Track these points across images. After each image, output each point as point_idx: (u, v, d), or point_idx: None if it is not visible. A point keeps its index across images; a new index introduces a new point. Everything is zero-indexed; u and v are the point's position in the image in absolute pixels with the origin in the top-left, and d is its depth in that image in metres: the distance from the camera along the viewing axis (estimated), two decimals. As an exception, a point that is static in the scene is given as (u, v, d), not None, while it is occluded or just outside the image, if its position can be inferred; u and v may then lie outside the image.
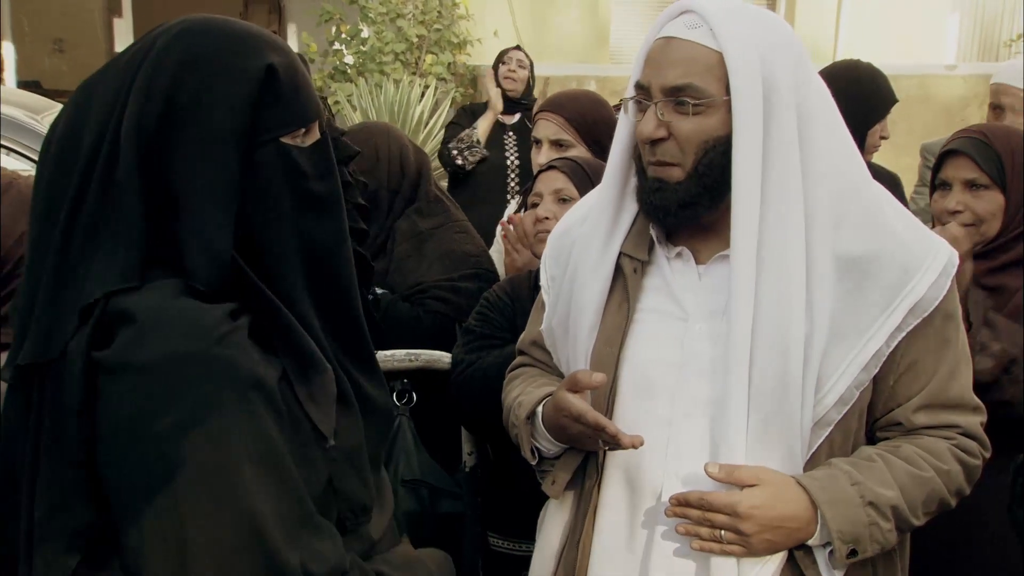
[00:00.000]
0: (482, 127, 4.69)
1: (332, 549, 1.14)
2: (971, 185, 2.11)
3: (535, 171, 2.55)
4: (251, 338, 1.11)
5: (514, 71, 4.84)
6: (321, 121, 1.22)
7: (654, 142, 1.46)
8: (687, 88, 1.42)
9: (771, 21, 1.48)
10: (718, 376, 1.45)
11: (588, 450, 1.56)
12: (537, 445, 1.62)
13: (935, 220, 2.18)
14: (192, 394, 1.04)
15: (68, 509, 1.09)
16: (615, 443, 1.45)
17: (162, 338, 1.05)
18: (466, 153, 4.59)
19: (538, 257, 2.17)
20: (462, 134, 4.64)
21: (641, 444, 1.43)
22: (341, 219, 1.24)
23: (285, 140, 1.17)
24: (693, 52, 1.43)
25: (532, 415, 1.61)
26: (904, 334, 1.46)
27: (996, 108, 3.30)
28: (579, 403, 1.47)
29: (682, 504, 1.41)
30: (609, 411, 1.53)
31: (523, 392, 1.68)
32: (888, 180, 3.24)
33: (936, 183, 2.18)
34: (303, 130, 1.19)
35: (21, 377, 1.12)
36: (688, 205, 1.47)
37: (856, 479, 1.42)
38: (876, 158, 3.27)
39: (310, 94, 1.20)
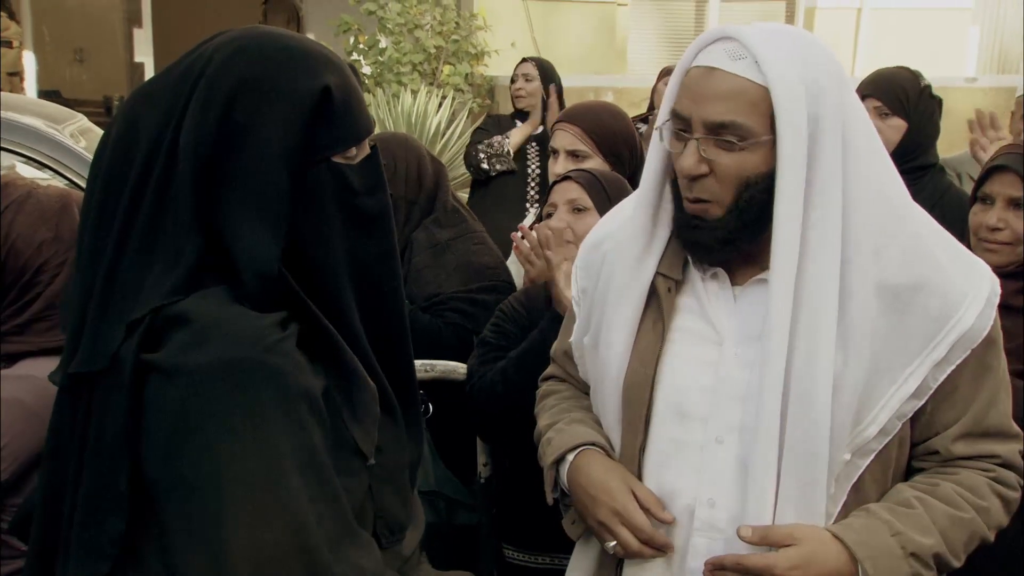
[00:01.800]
0: (515, 139, 4.63)
1: (371, 561, 1.14)
2: (1014, 203, 2.07)
3: (551, 181, 2.55)
4: (298, 348, 1.11)
5: (521, 88, 4.76)
6: (372, 134, 1.22)
7: (694, 177, 1.41)
8: (731, 125, 1.37)
9: (813, 46, 1.41)
10: (751, 403, 1.42)
11: (594, 532, 1.54)
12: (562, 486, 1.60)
13: (972, 234, 2.14)
14: (242, 400, 1.04)
15: (102, 521, 1.09)
16: (642, 552, 1.46)
17: (216, 343, 1.05)
18: (494, 161, 4.56)
19: (551, 266, 2.16)
20: (493, 139, 4.59)
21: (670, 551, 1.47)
22: (390, 232, 1.24)
23: (337, 159, 1.17)
24: (737, 86, 1.36)
25: (561, 460, 1.58)
26: (953, 367, 1.42)
27: None
28: (643, 519, 1.46)
29: (718, 568, 1.37)
30: (644, 435, 1.51)
31: (554, 423, 1.65)
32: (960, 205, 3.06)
33: (978, 196, 2.14)
34: (355, 148, 1.19)
35: (71, 385, 1.12)
36: (729, 242, 1.43)
37: (896, 529, 1.37)
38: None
39: (362, 110, 1.20)
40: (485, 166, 4.55)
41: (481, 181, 4.62)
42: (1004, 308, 2.01)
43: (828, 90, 1.37)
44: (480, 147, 4.57)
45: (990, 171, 2.12)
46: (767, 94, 1.35)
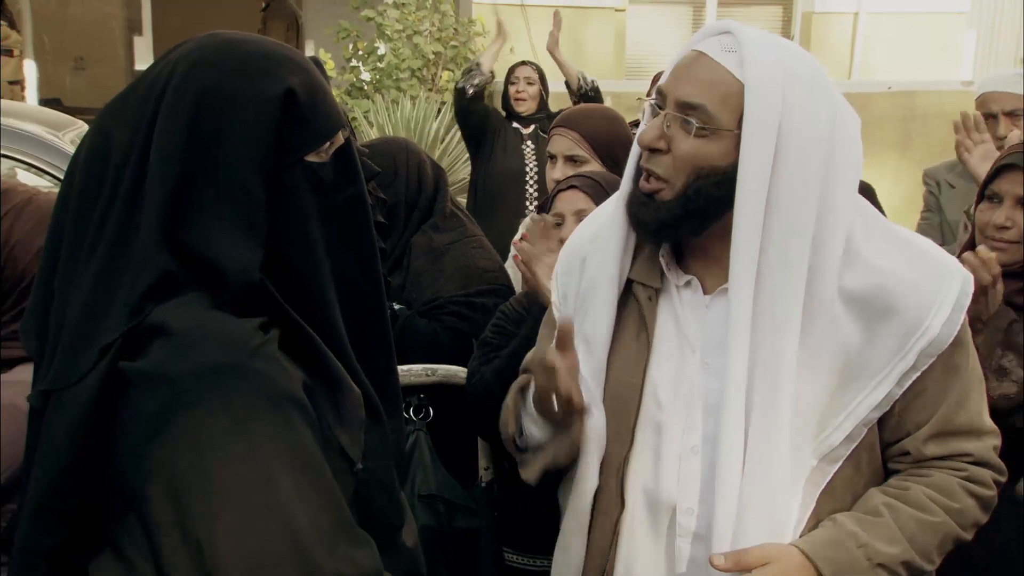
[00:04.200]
0: (486, 58, 4.83)
1: (368, 556, 1.14)
2: (1023, 202, 2.07)
3: (549, 187, 2.55)
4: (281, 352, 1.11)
5: (522, 91, 4.77)
6: (343, 126, 1.21)
7: (652, 150, 1.44)
8: (698, 108, 1.40)
9: (806, 65, 1.42)
10: (720, 412, 1.43)
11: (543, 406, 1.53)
12: (524, 425, 1.60)
13: (978, 232, 2.13)
14: (228, 406, 1.04)
15: (39, 534, 1.08)
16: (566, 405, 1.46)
17: (197, 351, 1.05)
18: (473, 80, 4.66)
19: (532, 258, 2.16)
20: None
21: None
22: (369, 226, 1.24)
23: (310, 158, 1.17)
24: (716, 75, 1.40)
25: (524, 388, 1.61)
26: (919, 373, 1.43)
27: (990, 117, 3.16)
28: (559, 359, 1.46)
29: None
30: (630, 444, 1.52)
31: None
32: (862, 190, 3.06)
33: (986, 194, 2.13)
34: (327, 143, 1.19)
35: (44, 402, 1.12)
36: (669, 226, 1.45)
37: (862, 540, 1.39)
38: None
39: (330, 105, 1.19)
40: (466, 86, 4.67)
41: (475, 151, 4.71)
42: (1008, 306, 2.02)
43: (810, 107, 1.38)
44: (458, 84, 4.79)
45: (999, 169, 2.10)
46: (742, 91, 1.38)
